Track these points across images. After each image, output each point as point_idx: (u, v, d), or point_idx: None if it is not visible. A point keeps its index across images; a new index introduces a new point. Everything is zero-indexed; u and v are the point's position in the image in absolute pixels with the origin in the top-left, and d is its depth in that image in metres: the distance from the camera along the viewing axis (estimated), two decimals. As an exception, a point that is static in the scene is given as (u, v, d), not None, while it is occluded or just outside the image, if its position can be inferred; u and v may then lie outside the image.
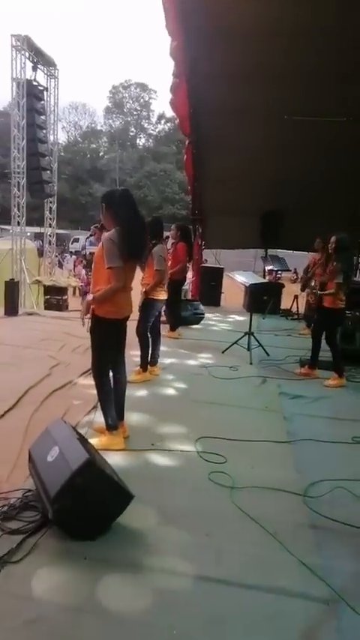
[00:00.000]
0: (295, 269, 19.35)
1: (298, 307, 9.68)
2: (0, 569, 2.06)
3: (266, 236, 9.87)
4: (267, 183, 8.96)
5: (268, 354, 6.16)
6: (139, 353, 4.90)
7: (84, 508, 2.30)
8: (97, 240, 3.39)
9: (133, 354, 4.79)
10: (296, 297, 9.64)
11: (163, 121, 55.62)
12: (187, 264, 7.27)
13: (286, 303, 10.30)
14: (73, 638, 1.77)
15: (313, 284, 5.42)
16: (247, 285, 6.78)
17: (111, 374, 3.37)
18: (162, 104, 57.46)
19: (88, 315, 3.19)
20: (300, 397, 4.69)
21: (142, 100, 57.29)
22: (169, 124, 53.30)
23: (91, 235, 3.30)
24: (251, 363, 5.78)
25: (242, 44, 6.67)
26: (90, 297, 3.14)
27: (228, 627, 1.87)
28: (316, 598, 2.04)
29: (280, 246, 10.78)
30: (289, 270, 12.61)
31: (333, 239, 5.15)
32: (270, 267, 11.40)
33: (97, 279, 3.21)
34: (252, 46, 6.65)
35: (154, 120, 57.48)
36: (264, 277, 10.83)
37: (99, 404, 3.39)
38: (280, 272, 13.15)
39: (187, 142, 9.22)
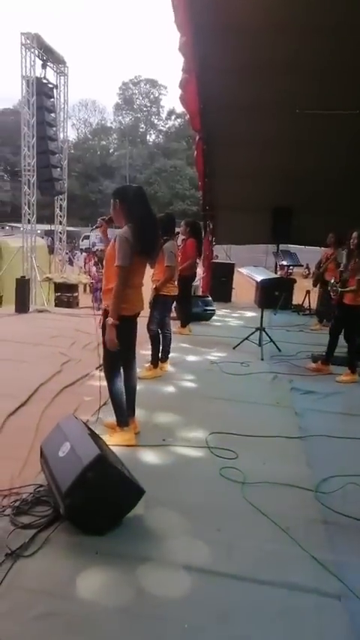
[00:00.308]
0: (307, 264, 19.26)
1: (309, 303, 9.62)
2: (13, 563, 2.07)
3: (277, 231, 9.81)
4: (278, 179, 8.90)
5: (279, 350, 6.14)
6: (149, 349, 4.91)
7: (95, 503, 2.31)
8: (103, 233, 3.38)
9: (143, 350, 4.80)
10: (308, 292, 9.58)
11: (173, 117, 55.58)
12: (197, 260, 7.26)
13: (297, 298, 10.24)
14: (86, 631, 1.78)
15: (333, 281, 5.36)
16: (259, 280, 6.74)
17: (122, 370, 3.37)
18: (172, 100, 57.39)
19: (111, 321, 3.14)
20: (312, 393, 4.66)
21: (152, 96, 57.27)
22: (179, 120, 53.21)
23: (96, 227, 3.25)
24: (262, 359, 5.76)
25: (253, 39, 6.62)
26: (110, 321, 3.10)
27: (239, 622, 1.87)
28: (327, 593, 2.03)
29: (292, 241, 10.70)
30: (300, 266, 12.55)
31: (355, 234, 5.03)
32: (282, 263, 11.34)
33: (108, 276, 3.21)
34: (263, 40, 6.59)
35: (164, 116, 57.51)
36: (275, 272, 10.78)
37: (110, 400, 3.40)
38: (291, 267, 13.06)
39: (197, 137, 9.18)
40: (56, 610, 1.86)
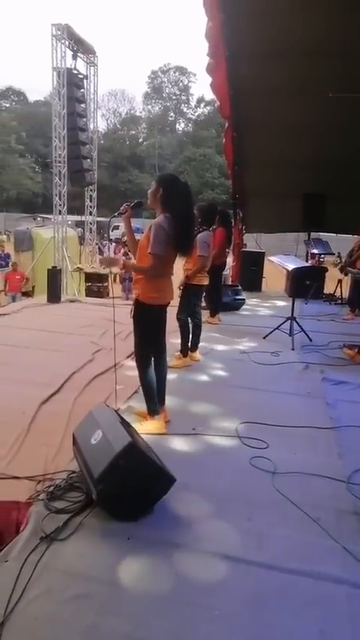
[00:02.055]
0: (339, 253, 18.87)
1: (341, 292, 9.44)
2: (48, 546, 2.13)
3: (309, 219, 9.62)
4: (310, 165, 8.70)
5: (310, 340, 6.06)
6: (179, 338, 4.92)
7: (127, 490, 2.35)
8: (126, 219, 3.36)
9: (173, 339, 4.81)
10: (340, 281, 9.40)
11: (202, 105, 55.00)
12: (227, 249, 7.20)
13: (329, 287, 10.06)
14: (118, 614, 1.82)
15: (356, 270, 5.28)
16: (290, 269, 6.65)
17: (152, 359, 3.40)
18: (201, 87, 56.90)
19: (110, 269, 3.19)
20: (344, 383, 4.59)
21: (181, 84, 56.78)
22: (208, 108, 52.64)
23: (120, 214, 3.19)
24: (293, 349, 5.70)
25: (282, 21, 6.47)
26: (121, 260, 3.18)
27: (269, 610, 1.88)
28: (358, 585, 2.01)
29: (324, 229, 10.49)
30: (332, 254, 12.30)
31: None
32: (312, 251, 11.15)
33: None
34: (293, 22, 6.43)
35: (193, 104, 56.97)
36: (306, 261, 10.60)
37: (141, 389, 3.43)
38: (322, 256, 12.82)
39: (226, 124, 9.08)
40: (90, 592, 1.91)
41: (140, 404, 3.61)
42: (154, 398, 3.35)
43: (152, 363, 3.37)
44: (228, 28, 6.85)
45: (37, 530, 2.22)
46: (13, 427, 3.30)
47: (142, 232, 3.44)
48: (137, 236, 3.48)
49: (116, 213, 3.33)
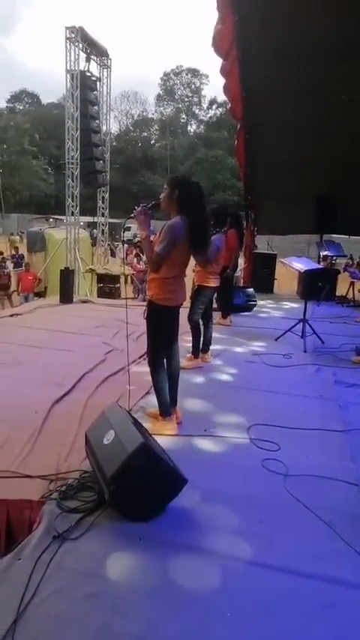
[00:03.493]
0: (351, 255, 18.74)
1: (354, 294, 9.37)
2: (60, 545, 2.14)
3: (321, 221, 9.57)
4: (322, 167, 8.67)
5: (322, 342, 6.02)
6: (190, 339, 4.92)
7: (139, 490, 2.36)
8: (144, 222, 3.28)
9: (185, 340, 4.81)
10: (352, 283, 9.33)
11: (214, 106, 55.07)
12: (239, 251, 7.19)
13: (341, 289, 10.00)
14: (131, 613, 1.82)
15: None
16: (303, 271, 6.62)
17: (164, 360, 3.40)
18: (213, 89, 56.69)
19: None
20: (356, 386, 4.55)
21: (193, 85, 56.93)
22: (220, 109, 52.68)
23: (133, 216, 3.12)
24: (305, 351, 5.67)
25: (296, 23, 6.46)
26: (144, 234, 3.15)
27: (281, 614, 1.86)
28: (373, 590, 1.99)
29: (337, 231, 10.43)
30: (344, 256, 12.21)
31: None
32: (324, 253, 11.08)
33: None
34: (307, 24, 6.42)
35: (205, 105, 57.00)
36: (318, 263, 10.54)
37: (152, 389, 3.44)
38: (335, 258, 12.74)
39: (238, 126, 9.07)
40: (102, 592, 1.91)
41: (152, 404, 3.62)
42: (166, 399, 3.35)
43: (165, 364, 3.37)
44: (241, 30, 6.85)
45: (50, 529, 2.23)
46: (25, 426, 3.32)
47: (155, 234, 3.44)
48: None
49: (132, 214, 3.27)
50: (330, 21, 6.28)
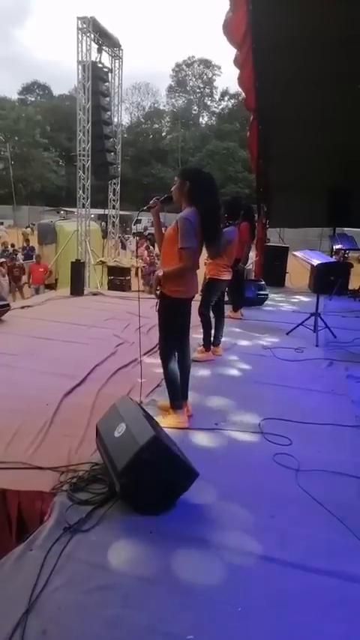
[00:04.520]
0: (364, 248, 18.53)
1: (366, 288, 9.28)
2: (71, 537, 2.15)
3: (334, 214, 9.45)
4: (336, 159, 8.52)
5: (335, 336, 5.97)
6: (201, 332, 4.90)
7: (150, 483, 2.35)
8: (156, 214, 3.34)
9: (196, 334, 4.79)
10: (365, 277, 9.24)
11: (226, 98, 54.62)
12: (251, 244, 7.14)
13: (354, 283, 9.90)
14: (142, 606, 1.82)
15: None
16: (315, 264, 6.55)
17: (176, 353, 3.39)
18: (225, 80, 56.24)
19: (159, 289, 3.19)
20: (369, 381, 4.51)
21: (205, 77, 56.43)
22: (232, 101, 52.24)
23: (149, 207, 3.18)
24: (317, 345, 5.62)
25: (310, 11, 6.34)
26: (160, 272, 3.16)
27: (293, 609, 1.85)
28: (386, 587, 1.97)
29: (350, 224, 10.31)
30: (357, 250, 12.08)
31: None
32: (337, 246, 10.97)
33: (167, 260, 3.21)
34: (321, 12, 6.29)
35: (217, 97, 56.55)
36: (331, 256, 10.44)
37: (164, 382, 3.43)
38: (347, 251, 12.61)
39: (251, 117, 8.97)
40: (113, 584, 1.91)
41: (163, 397, 3.61)
42: (178, 392, 3.34)
43: (176, 357, 3.36)
44: (255, 19, 6.75)
45: (61, 521, 2.24)
46: (36, 418, 3.33)
47: (166, 226, 3.42)
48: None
49: (145, 207, 3.31)
50: (344, 9, 6.15)
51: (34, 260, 12.55)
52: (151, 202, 3.33)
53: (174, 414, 3.34)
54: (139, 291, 3.74)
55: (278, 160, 9.34)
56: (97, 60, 11.58)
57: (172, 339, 3.31)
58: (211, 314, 4.92)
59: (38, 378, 4.16)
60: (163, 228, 3.40)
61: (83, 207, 11.68)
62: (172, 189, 3.22)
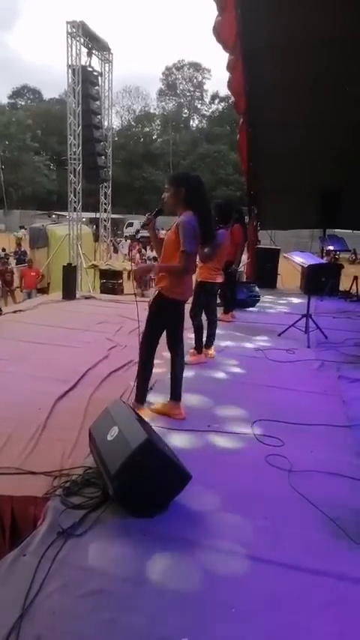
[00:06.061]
0: (354, 249, 18.68)
1: (357, 289, 9.34)
2: (65, 542, 2.14)
3: (324, 215, 9.52)
4: (326, 161, 8.58)
5: (326, 337, 6.00)
6: (193, 335, 4.91)
7: (143, 486, 2.35)
8: (151, 229, 3.42)
9: (188, 337, 4.80)
10: (356, 278, 9.30)
11: (216, 101, 54.76)
12: (243, 247, 7.17)
13: (345, 284, 9.96)
14: (135, 609, 1.82)
15: None
16: (306, 265, 6.59)
17: (168, 355, 3.41)
18: (216, 83, 56.39)
19: (153, 278, 3.26)
20: (360, 381, 4.54)
21: (195, 80, 56.54)
22: (222, 104, 52.39)
23: (145, 225, 3.32)
24: (309, 346, 5.65)
25: (299, 15, 6.38)
26: (155, 264, 3.22)
27: (287, 610, 1.86)
28: (378, 586, 1.99)
29: (340, 225, 10.38)
30: (348, 251, 12.19)
31: None
32: (328, 248, 11.04)
33: (168, 263, 3.25)
34: (309, 16, 6.34)
35: (207, 100, 56.70)
36: (321, 258, 10.50)
37: (156, 384, 3.45)
38: (338, 252, 12.71)
39: (240, 120, 9.01)
40: (106, 588, 1.91)
41: (156, 399, 3.63)
42: (145, 389, 3.47)
43: (154, 356, 3.42)
44: (243, 23, 6.78)
45: (54, 525, 2.23)
46: (29, 423, 3.32)
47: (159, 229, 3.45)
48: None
49: (141, 226, 3.44)
50: (332, 13, 6.20)
51: (26, 264, 12.52)
52: (145, 220, 3.42)
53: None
54: (135, 293, 3.71)
55: (268, 162, 9.38)
56: (87, 64, 11.60)
57: (156, 335, 3.36)
58: (204, 316, 4.93)
59: (30, 383, 4.15)
60: (162, 232, 3.47)
61: (75, 210, 11.68)
62: (164, 197, 3.26)
